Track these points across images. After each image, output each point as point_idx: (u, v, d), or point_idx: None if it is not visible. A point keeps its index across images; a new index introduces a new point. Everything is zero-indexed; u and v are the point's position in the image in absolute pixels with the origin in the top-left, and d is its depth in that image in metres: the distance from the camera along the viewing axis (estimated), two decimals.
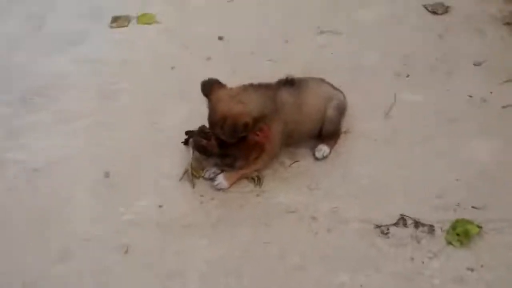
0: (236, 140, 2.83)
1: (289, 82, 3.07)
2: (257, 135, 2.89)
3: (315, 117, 3.22)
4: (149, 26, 4.90)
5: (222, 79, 3.50)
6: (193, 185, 3.19)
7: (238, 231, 2.96)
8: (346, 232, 2.89)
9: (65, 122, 3.84)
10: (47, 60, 4.48)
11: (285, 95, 3.02)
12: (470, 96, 3.74)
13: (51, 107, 3.99)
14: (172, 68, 4.34)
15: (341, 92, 3.36)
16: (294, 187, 3.18)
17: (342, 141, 3.43)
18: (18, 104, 4.03)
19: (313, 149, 3.36)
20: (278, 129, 3.00)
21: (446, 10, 4.68)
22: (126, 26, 4.91)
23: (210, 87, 2.90)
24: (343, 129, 3.47)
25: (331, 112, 3.23)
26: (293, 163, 3.34)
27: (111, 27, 4.91)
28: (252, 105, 2.77)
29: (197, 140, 3.17)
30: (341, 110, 3.34)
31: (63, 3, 5.27)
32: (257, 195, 3.15)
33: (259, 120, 2.81)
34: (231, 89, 2.89)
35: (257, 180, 3.16)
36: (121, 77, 4.25)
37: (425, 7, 4.72)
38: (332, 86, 3.33)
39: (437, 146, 3.37)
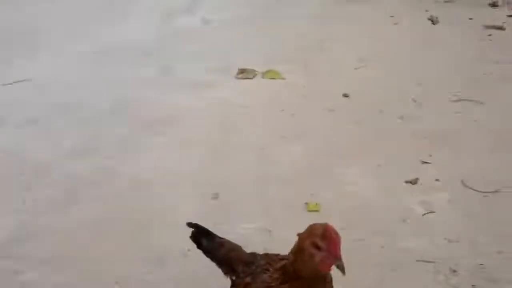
0: None
1: None
2: None
3: None
4: (273, 81, 4.93)
5: (345, 129, 3.78)
6: None
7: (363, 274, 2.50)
8: None
9: (182, 147, 3.82)
10: (174, 98, 4.59)
11: None
12: None
13: (171, 134, 3.99)
14: (292, 115, 4.21)
15: None
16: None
17: None
18: (142, 129, 4.07)
19: None
20: None
21: None
22: (251, 78, 4.99)
23: None
24: None
25: None
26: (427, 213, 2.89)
27: (237, 78, 5.00)
28: None
29: None
30: None
31: (194, 55, 5.53)
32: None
33: None
34: None
35: None
36: (242, 118, 4.20)
37: None
38: None
39: None
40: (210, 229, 2.66)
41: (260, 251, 2.59)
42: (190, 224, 2.06)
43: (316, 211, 3.00)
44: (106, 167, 3.53)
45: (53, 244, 2.83)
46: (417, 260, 2.55)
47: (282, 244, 2.60)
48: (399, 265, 2.54)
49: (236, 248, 2.00)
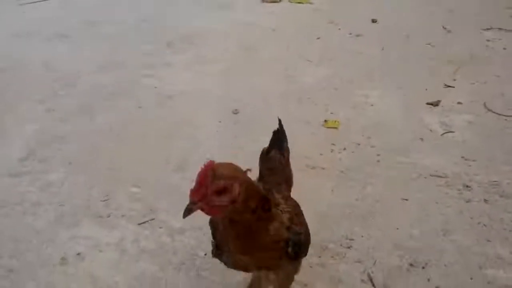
0: None
1: None
2: None
3: None
4: (301, 5, 4.84)
5: (370, 54, 3.76)
6: None
7: (372, 182, 2.55)
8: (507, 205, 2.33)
9: (202, 63, 3.85)
10: (198, 17, 4.58)
11: None
12: None
13: (192, 51, 4.02)
14: (318, 38, 4.16)
15: None
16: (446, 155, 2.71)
17: None
18: (164, 46, 4.10)
19: None
20: None
21: None
22: (278, 2, 4.91)
23: None
24: None
25: None
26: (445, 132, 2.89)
27: (264, 1, 4.93)
28: None
29: None
30: None
31: None
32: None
33: None
34: None
35: None
36: (265, 39, 4.19)
37: None
38: None
39: None
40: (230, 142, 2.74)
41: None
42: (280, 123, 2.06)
43: (335, 127, 3.02)
44: (130, 80, 3.60)
45: (76, 147, 2.93)
46: (431, 175, 2.57)
47: (300, 157, 2.68)
48: (412, 179, 2.57)
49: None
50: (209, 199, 1.27)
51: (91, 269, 2.14)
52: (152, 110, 3.29)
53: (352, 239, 2.22)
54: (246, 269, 1.66)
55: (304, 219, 1.64)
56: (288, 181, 1.89)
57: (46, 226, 2.38)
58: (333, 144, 2.87)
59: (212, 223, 1.62)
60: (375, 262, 2.09)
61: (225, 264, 1.61)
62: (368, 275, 2.03)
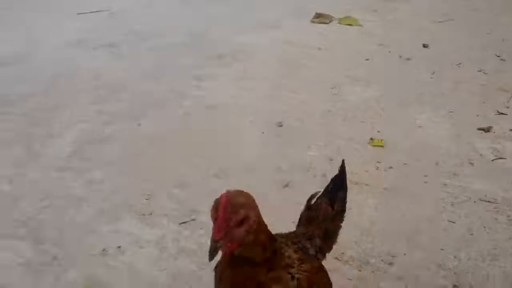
0: None
1: None
2: None
3: None
4: (349, 27, 4.85)
5: (420, 78, 3.76)
6: None
7: (418, 202, 2.48)
8: None
9: (249, 78, 3.89)
10: (247, 34, 4.65)
11: None
12: None
13: (239, 66, 4.08)
14: (367, 59, 4.14)
15: None
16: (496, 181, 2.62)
17: None
18: (212, 59, 4.18)
19: None
20: None
21: None
22: (327, 23, 4.94)
23: None
24: None
25: None
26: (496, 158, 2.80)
27: (313, 22, 4.97)
28: None
29: None
30: None
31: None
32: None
33: None
34: None
35: None
36: (312, 58, 4.20)
37: None
38: None
39: None
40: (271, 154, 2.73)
41: (320, 177, 2.66)
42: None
43: (380, 146, 2.98)
44: (177, 90, 3.67)
45: (120, 150, 3.00)
46: (480, 199, 2.49)
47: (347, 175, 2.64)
48: (459, 202, 2.49)
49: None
50: (231, 233, 1.14)
51: (131, 263, 2.17)
52: (197, 118, 3.33)
53: (395, 256, 2.16)
54: None
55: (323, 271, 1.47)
56: (327, 238, 1.64)
57: (88, 220, 2.43)
58: (379, 162, 2.82)
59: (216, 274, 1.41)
60: (417, 280, 2.02)
61: None
62: None
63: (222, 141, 3.07)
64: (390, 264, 2.12)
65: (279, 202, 2.50)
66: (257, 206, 1.20)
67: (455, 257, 2.14)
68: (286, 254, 1.35)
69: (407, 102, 3.47)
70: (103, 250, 2.23)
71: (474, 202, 2.48)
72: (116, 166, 2.87)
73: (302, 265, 1.35)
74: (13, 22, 5.02)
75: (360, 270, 2.08)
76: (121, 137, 3.14)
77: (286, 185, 2.64)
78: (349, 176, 2.64)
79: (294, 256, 1.36)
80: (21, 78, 3.87)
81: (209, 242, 1.13)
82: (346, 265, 2.11)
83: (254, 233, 1.17)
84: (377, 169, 2.77)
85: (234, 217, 1.13)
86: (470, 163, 2.79)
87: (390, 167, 2.77)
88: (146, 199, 2.56)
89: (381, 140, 3.03)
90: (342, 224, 1.73)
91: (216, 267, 1.39)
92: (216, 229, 1.12)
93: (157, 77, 3.88)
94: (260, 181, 2.66)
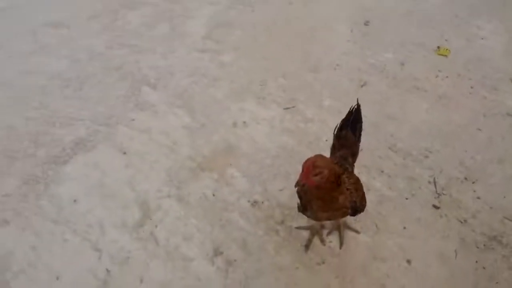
0: None
1: None
2: None
3: None
4: None
5: None
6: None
7: (459, 111, 3.35)
8: None
9: None
10: None
11: None
12: None
13: None
14: None
15: None
16: None
17: None
18: None
19: None
20: None
21: None
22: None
23: None
24: None
25: None
26: None
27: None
28: None
29: None
30: None
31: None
32: None
33: None
34: None
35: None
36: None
37: None
38: None
39: None
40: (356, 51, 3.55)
41: (391, 79, 3.51)
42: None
43: (445, 55, 3.71)
44: None
45: (241, 34, 3.94)
46: (508, 114, 3.31)
47: (409, 79, 3.48)
48: (490, 115, 3.31)
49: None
50: (310, 179, 2.02)
51: (252, 135, 3.32)
52: (299, 10, 4.11)
53: (431, 152, 3.15)
54: (320, 220, 2.51)
55: (362, 190, 2.35)
56: (354, 156, 2.50)
57: (222, 98, 3.55)
58: (439, 71, 3.61)
59: (298, 194, 2.34)
60: (441, 171, 3.05)
61: (308, 216, 2.43)
62: (434, 179, 3.01)
63: (315, 37, 3.92)
64: (426, 157, 3.13)
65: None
66: (330, 164, 2.10)
67: (472, 157, 3.11)
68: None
69: (476, 11, 3.99)
70: (233, 124, 3.38)
71: (502, 115, 3.32)
72: (238, 52, 3.87)
73: (350, 180, 2.29)
74: None
75: (404, 159, 3.12)
76: (241, 22, 4.05)
77: (364, 84, 3.56)
78: (413, 82, 3.53)
79: (344, 175, 2.28)
80: None
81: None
82: (395, 154, 3.15)
83: (326, 179, 2.07)
84: (436, 77, 3.58)
85: (313, 172, 2.02)
86: (511, 79, 3.52)
87: (447, 77, 3.57)
88: (261, 85, 3.60)
89: (447, 49, 3.74)
90: (360, 144, 2.57)
91: (297, 192, 2.33)
92: (301, 177, 2.03)
93: None
94: (342, 78, 3.59)
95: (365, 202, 2.42)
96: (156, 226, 2.92)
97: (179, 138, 3.33)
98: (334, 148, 2.55)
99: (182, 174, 3.12)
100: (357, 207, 2.33)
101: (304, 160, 2.07)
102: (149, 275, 2.73)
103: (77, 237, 2.92)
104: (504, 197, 2.88)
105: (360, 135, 2.56)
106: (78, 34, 4.22)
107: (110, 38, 4.14)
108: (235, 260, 2.73)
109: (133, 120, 3.48)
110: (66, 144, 3.36)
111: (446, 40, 3.81)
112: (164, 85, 3.66)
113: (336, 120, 2.61)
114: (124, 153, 3.29)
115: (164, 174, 3.14)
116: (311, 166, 2.02)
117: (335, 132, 2.55)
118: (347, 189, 2.27)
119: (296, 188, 2.20)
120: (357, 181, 2.38)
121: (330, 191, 2.16)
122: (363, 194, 2.40)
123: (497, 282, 2.55)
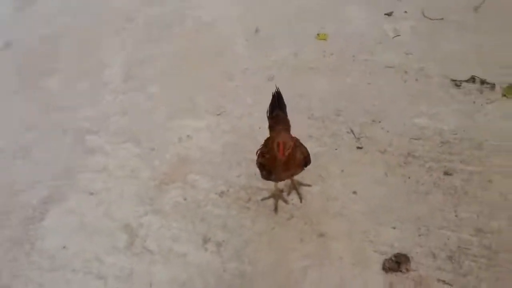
0: None
1: None
2: None
3: None
4: None
5: None
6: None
7: (350, 74, 4.18)
8: (429, 83, 3.99)
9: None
10: None
11: None
12: None
13: None
14: None
15: None
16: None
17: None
18: None
19: None
20: None
21: None
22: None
23: None
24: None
25: None
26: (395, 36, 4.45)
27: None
28: None
29: None
30: None
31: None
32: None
33: None
34: None
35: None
36: None
37: None
38: None
39: None
40: (257, 55, 4.27)
41: (290, 68, 4.25)
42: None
43: (324, 39, 4.55)
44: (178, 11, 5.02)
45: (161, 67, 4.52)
46: (386, 67, 4.19)
47: (304, 62, 4.25)
48: (373, 71, 4.15)
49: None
50: (285, 152, 2.57)
51: (198, 143, 3.84)
52: (200, 35, 4.77)
53: (341, 110, 3.90)
54: (283, 179, 3.09)
55: (305, 147, 2.92)
56: (289, 128, 3.04)
57: (162, 121, 4.04)
58: (324, 51, 4.43)
59: (261, 164, 2.90)
60: (353, 121, 3.80)
61: (272, 180, 3.02)
62: (350, 129, 3.75)
63: (222, 52, 4.57)
64: (338, 115, 3.86)
65: (267, 91, 4.14)
66: (290, 136, 2.77)
67: (372, 104, 3.89)
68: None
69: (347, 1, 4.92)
70: (179, 139, 3.90)
71: (382, 69, 4.19)
72: (162, 79, 4.40)
73: (296, 142, 2.79)
74: None
75: (323, 122, 3.83)
76: (157, 55, 4.60)
77: (272, 79, 4.25)
78: (307, 64, 4.30)
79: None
80: None
81: None
82: (315, 121, 3.85)
83: (292, 149, 2.64)
84: (324, 57, 4.39)
85: (285, 147, 2.58)
86: (380, 42, 4.43)
87: (332, 54, 4.39)
88: (191, 101, 4.16)
89: (324, 34, 4.59)
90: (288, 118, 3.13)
91: (259, 163, 2.94)
92: (279, 154, 2.58)
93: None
94: (255, 77, 4.27)
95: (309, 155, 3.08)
96: (145, 241, 3.33)
97: (136, 166, 3.78)
98: (271, 127, 3.12)
99: (150, 193, 3.57)
100: (307, 159, 2.96)
101: (260, 143, 2.94)
102: (156, 278, 3.14)
103: (78, 274, 3.25)
104: (404, 124, 3.69)
105: (286, 113, 3.16)
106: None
107: (39, 105, 4.47)
108: (223, 241, 3.24)
109: (87, 166, 3.85)
110: (35, 205, 3.66)
111: (322, 27, 4.64)
112: (104, 128, 4.08)
113: (260, 111, 3.28)
114: (91, 193, 3.66)
115: (135, 198, 3.57)
116: (282, 144, 2.60)
117: (268, 115, 3.13)
118: (298, 147, 2.89)
119: (257, 163, 2.91)
120: (298, 140, 3.03)
121: (294, 153, 2.76)
122: (306, 148, 3.06)
123: (422, 184, 3.31)
